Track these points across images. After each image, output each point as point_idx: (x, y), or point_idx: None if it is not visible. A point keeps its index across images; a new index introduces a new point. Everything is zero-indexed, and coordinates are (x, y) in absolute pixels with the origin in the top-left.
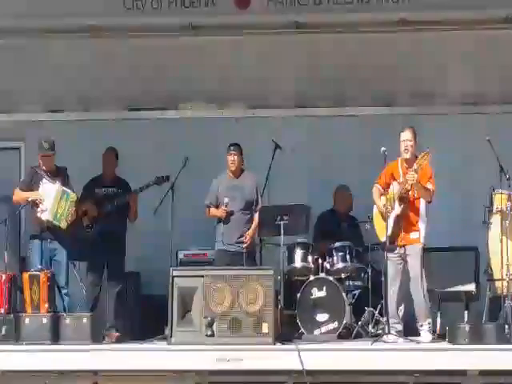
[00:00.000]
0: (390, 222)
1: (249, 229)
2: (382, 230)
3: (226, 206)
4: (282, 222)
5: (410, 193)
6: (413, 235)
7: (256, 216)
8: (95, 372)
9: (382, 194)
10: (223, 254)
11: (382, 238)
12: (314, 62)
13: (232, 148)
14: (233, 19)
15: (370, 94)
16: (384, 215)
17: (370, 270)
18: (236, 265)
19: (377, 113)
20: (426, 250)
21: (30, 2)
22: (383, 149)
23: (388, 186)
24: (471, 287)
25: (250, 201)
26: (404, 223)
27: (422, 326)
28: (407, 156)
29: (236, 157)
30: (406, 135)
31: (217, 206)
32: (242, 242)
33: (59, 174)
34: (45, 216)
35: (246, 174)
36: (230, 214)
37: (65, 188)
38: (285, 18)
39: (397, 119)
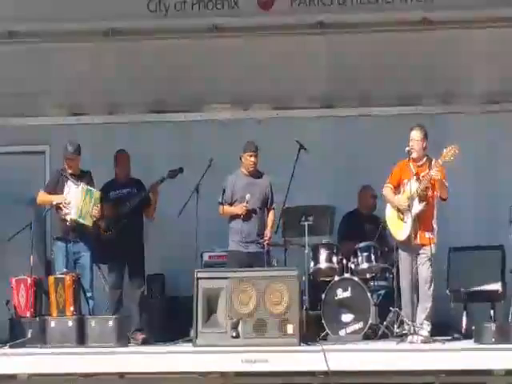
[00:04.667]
0: (410, 220)
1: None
2: (400, 229)
3: (246, 203)
4: (306, 223)
5: (428, 191)
6: (428, 234)
7: (271, 214)
8: (121, 374)
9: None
10: (238, 255)
11: (399, 238)
12: (339, 62)
13: (253, 149)
14: (256, 20)
15: (396, 93)
16: (405, 212)
17: (394, 270)
18: (252, 265)
19: (402, 112)
20: (452, 250)
21: (55, 6)
22: (407, 148)
23: (398, 185)
24: (497, 286)
25: (266, 199)
26: (420, 222)
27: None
28: (413, 156)
29: (256, 158)
30: (413, 134)
31: (231, 204)
32: (260, 242)
33: (84, 177)
34: (70, 217)
35: (260, 172)
36: (250, 211)
37: (88, 187)
38: (308, 18)
39: (422, 119)
